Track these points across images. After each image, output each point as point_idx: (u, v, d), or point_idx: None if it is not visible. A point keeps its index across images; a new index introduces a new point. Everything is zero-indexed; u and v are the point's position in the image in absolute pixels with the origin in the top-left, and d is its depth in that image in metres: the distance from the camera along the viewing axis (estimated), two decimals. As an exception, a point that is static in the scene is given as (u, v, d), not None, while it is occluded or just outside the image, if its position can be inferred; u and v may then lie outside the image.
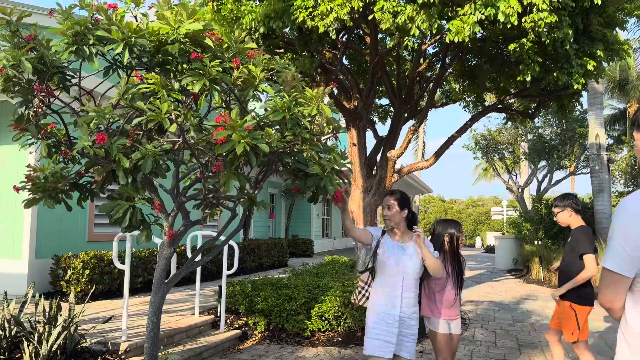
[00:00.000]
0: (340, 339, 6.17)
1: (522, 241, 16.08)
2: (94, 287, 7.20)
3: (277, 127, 2.73)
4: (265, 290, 6.53)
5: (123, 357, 4.77)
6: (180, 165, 3.18)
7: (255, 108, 3.20)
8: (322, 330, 6.26)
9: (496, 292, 11.04)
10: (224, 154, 2.54)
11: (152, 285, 3.67)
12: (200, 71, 2.47)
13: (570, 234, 4.35)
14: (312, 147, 2.78)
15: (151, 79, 2.54)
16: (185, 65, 2.62)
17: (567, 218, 4.27)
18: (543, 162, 24.12)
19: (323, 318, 6.23)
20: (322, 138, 3.17)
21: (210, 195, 3.16)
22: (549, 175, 24.83)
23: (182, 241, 8.84)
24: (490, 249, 26.66)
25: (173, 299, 7.85)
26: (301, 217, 19.97)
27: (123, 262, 5.19)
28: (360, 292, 3.55)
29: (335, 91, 8.93)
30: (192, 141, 2.74)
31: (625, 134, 24.49)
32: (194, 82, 2.43)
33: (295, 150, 2.76)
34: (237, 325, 6.54)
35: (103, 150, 2.63)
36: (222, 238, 3.87)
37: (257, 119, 2.71)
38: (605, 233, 13.37)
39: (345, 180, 3.47)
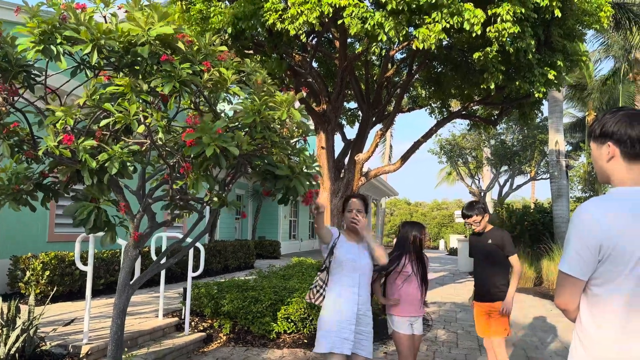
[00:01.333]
0: (305, 341, 6.20)
1: (484, 244, 16.46)
2: (55, 288, 7.01)
3: (247, 129, 2.75)
4: (231, 293, 6.50)
5: (84, 360, 4.67)
6: (147, 166, 3.16)
7: (224, 110, 3.20)
8: (288, 332, 6.28)
9: (458, 293, 11.30)
10: (193, 156, 2.55)
11: (115, 287, 3.62)
12: (171, 73, 2.47)
13: (484, 237, 4.35)
14: (281, 150, 2.81)
15: (120, 81, 2.52)
16: (154, 67, 2.61)
17: (486, 222, 4.38)
18: (505, 167, 24.82)
19: (289, 320, 6.25)
20: (292, 141, 3.21)
21: (178, 197, 3.14)
22: (510, 180, 25.57)
23: (146, 243, 8.71)
24: (453, 251, 27.21)
25: (136, 301, 7.72)
26: (268, 218, 19.92)
27: (85, 264, 5.08)
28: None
29: (304, 94, 8.95)
30: (160, 142, 2.72)
31: (584, 141, 25.45)
32: (164, 84, 2.42)
33: (265, 153, 2.78)
34: (201, 328, 6.49)
35: (69, 150, 2.60)
36: (189, 240, 3.86)
37: (227, 121, 2.72)
38: (563, 237, 13.87)
39: (315, 183, 3.51)
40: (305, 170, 3.23)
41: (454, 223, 45.89)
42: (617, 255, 1.75)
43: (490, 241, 4.30)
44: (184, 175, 2.75)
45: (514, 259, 4.34)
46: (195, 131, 2.47)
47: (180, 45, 2.61)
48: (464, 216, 4.48)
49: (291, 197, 3.22)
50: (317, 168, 3.45)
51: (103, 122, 2.52)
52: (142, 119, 2.52)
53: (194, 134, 2.42)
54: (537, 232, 15.29)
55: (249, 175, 3.20)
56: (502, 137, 23.55)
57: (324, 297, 3.50)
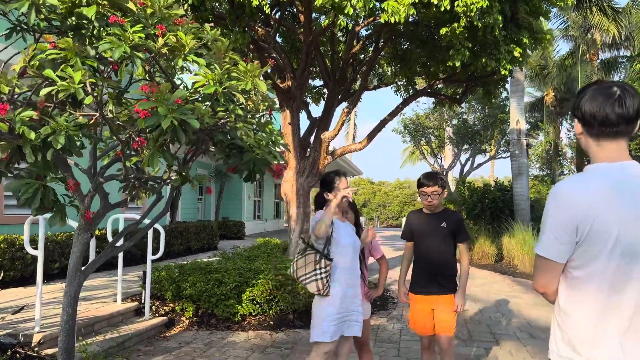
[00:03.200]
0: (272, 323, 6.08)
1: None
2: (3, 273, 6.62)
3: (209, 102, 2.53)
4: (193, 275, 6.29)
5: (36, 349, 4.40)
6: (98, 142, 2.89)
7: (182, 83, 2.96)
8: (254, 314, 6.14)
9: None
10: (148, 129, 2.32)
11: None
12: (121, 37, 2.22)
13: (436, 217, 3.67)
14: (246, 124, 2.61)
15: (62, 44, 2.25)
16: (102, 31, 2.34)
17: (442, 199, 3.67)
18: (466, 146, 25.21)
19: (254, 302, 6.10)
20: (257, 116, 3.01)
21: (133, 175, 2.90)
22: (471, 158, 26.01)
23: (102, 224, 8.33)
24: (416, 230, 27.59)
25: (94, 285, 7.40)
26: (232, 199, 19.59)
27: (37, 247, 4.76)
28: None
29: (269, 70, 8.69)
30: (110, 115, 2.47)
31: (542, 120, 26.07)
32: (113, 48, 2.17)
33: (228, 127, 2.58)
34: (163, 312, 6.27)
35: (7, 124, 2.32)
36: (148, 221, 3.62)
37: (187, 92, 2.49)
38: (524, 215, 14.20)
39: (283, 162, 3.34)
40: (273, 146, 3.05)
41: (416, 202, 46.60)
42: (595, 235, 1.67)
43: (444, 224, 3.63)
44: (139, 152, 2.51)
45: (464, 247, 3.73)
46: (150, 101, 2.24)
47: (131, 6, 2.35)
48: (422, 185, 3.64)
49: (258, 174, 3.05)
50: (284, 142, 3.27)
51: (43, 91, 2.24)
52: (89, 89, 2.27)
53: (148, 104, 2.19)
54: (498, 209, 15.59)
55: (211, 152, 2.98)
56: (464, 117, 23.84)
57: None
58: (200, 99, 2.52)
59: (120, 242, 4.69)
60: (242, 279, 6.21)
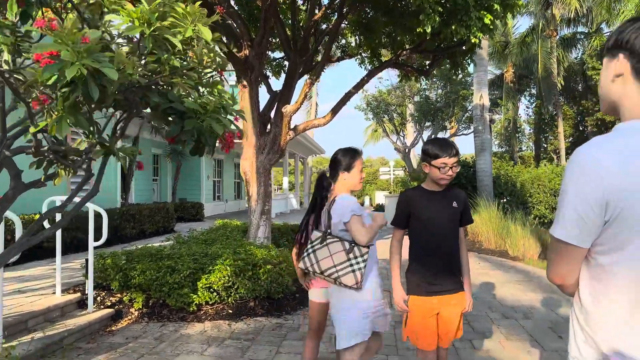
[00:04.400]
0: (230, 312, 5.60)
1: (410, 199, 16.55)
2: None
3: (132, 51, 1.98)
4: (143, 263, 5.71)
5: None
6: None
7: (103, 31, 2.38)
8: (211, 303, 5.64)
9: (388, 249, 11.14)
10: (54, 83, 1.76)
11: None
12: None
13: (446, 196, 2.95)
14: (185, 79, 2.08)
15: None
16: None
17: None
18: (428, 124, 25.11)
19: (211, 290, 5.60)
20: (203, 72, 2.48)
21: (47, 148, 2.33)
22: (433, 136, 25.95)
23: (34, 208, 7.55)
24: (379, 208, 27.55)
25: (34, 274, 6.72)
26: (190, 179, 18.80)
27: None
28: (364, 271, 2.77)
29: (225, 40, 8.04)
30: (6, 68, 1.90)
31: (501, 97, 26.26)
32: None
33: (163, 85, 2.04)
34: (109, 304, 5.68)
35: None
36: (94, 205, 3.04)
37: (105, 34, 1.94)
38: (487, 191, 14.13)
39: (237, 130, 2.84)
40: (223, 112, 2.53)
41: (377, 180, 46.69)
42: (630, 213, 1.27)
43: (455, 204, 2.95)
44: (45, 114, 1.95)
45: (463, 231, 3.10)
46: (53, 43, 1.67)
47: None
48: (437, 156, 2.83)
49: (207, 146, 2.53)
50: (237, 108, 2.75)
51: None
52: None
53: (49, 45, 1.63)
54: (461, 186, 15.50)
55: (146, 118, 2.44)
56: (426, 93, 23.67)
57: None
58: (123, 44, 1.96)
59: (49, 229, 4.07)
60: (197, 266, 5.69)
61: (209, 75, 2.57)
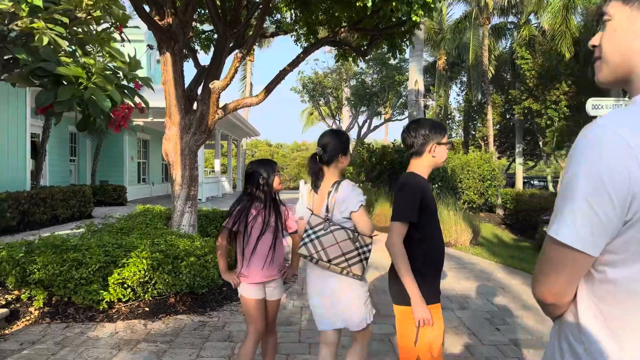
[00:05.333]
0: (147, 309, 5.02)
1: (345, 184, 16.39)
2: None
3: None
4: (45, 255, 4.98)
5: None
6: None
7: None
8: (124, 300, 5.02)
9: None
10: None
11: None
12: None
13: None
14: (52, 28, 1.52)
15: None
16: None
17: None
18: (363, 108, 25.04)
19: (125, 286, 4.97)
20: (94, 28, 1.92)
21: None
22: (368, 120, 25.97)
23: None
24: (314, 192, 27.37)
25: None
26: (112, 160, 17.54)
27: None
28: (367, 262, 2.75)
29: (145, 6, 7.25)
30: None
31: (434, 84, 26.63)
32: None
33: (17, 28, 1.47)
34: (4, 302, 4.92)
35: None
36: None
37: None
38: (420, 176, 14.15)
39: (140, 102, 2.31)
40: (116, 78, 1.99)
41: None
42: None
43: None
44: None
45: None
46: None
47: None
48: (444, 134, 2.54)
49: (98, 120, 1.99)
50: (139, 73, 2.21)
51: None
52: None
53: None
54: (395, 171, 15.50)
55: (5, 79, 1.85)
56: (362, 77, 23.52)
57: None
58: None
59: None
60: (109, 258, 5.03)
61: (101, 28, 2.01)
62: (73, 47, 1.92)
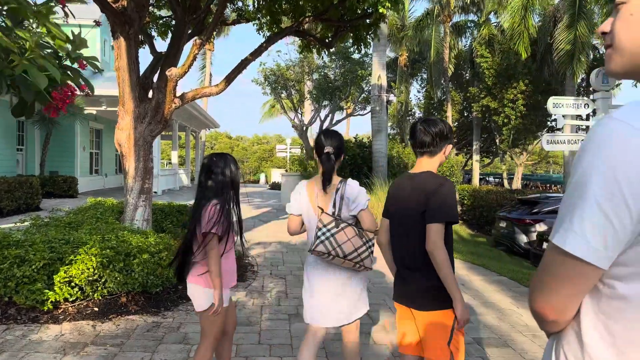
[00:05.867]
0: (96, 310, 4.71)
1: (307, 178, 16.27)
2: None
3: None
4: (-18, 252, 4.59)
5: None
6: None
7: None
8: (71, 300, 4.69)
9: (283, 230, 10.62)
10: None
11: None
12: None
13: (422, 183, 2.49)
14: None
15: None
16: None
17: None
18: (326, 102, 24.90)
19: (72, 284, 4.65)
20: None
21: None
22: (330, 115, 25.85)
23: None
24: (275, 186, 27.10)
25: None
26: (63, 150, 16.71)
27: None
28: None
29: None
30: None
31: (395, 80, 26.80)
32: None
33: None
34: None
35: None
36: None
37: None
38: (382, 171, 14.16)
39: (83, 84, 2.07)
40: (53, 55, 1.76)
41: (274, 157, 46.20)
42: None
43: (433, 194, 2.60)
44: None
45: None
46: None
47: None
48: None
49: (30, 100, 1.76)
50: (83, 53, 1.97)
51: None
52: None
53: None
54: (357, 166, 15.48)
55: None
56: (325, 71, 23.36)
57: None
58: None
59: None
60: (54, 255, 4.69)
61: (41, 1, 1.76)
62: (2, 18, 1.67)
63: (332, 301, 2.84)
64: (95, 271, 4.67)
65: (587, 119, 7.42)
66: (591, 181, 0.85)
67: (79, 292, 4.71)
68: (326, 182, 2.82)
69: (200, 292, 2.83)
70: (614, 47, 1.00)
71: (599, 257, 0.86)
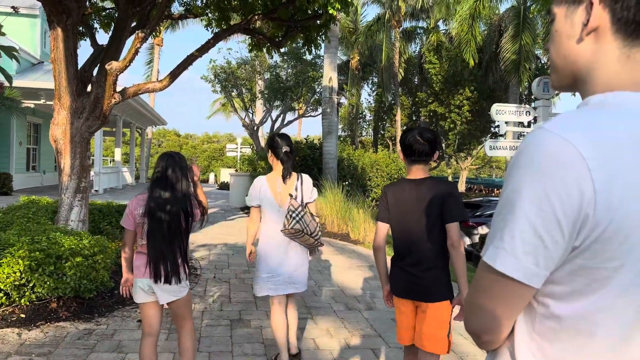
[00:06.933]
0: (23, 316, 4.41)
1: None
2: None
3: None
4: None
5: None
6: None
7: None
8: (-6, 306, 4.37)
9: (230, 232, 10.46)
10: None
11: None
12: None
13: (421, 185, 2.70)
14: None
15: None
16: None
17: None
18: (277, 103, 24.73)
19: (-5, 289, 4.33)
20: None
21: None
22: (282, 115, 25.72)
23: None
24: (224, 186, 26.64)
25: None
26: (-5, 144, 15.74)
27: None
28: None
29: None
30: None
31: (347, 83, 27.00)
32: None
33: None
34: None
35: None
36: None
37: None
38: (332, 173, 14.17)
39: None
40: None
41: (224, 156, 45.49)
42: (616, 235, 0.79)
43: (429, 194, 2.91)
44: None
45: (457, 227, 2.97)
46: None
47: None
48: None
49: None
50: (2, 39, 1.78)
51: None
52: None
53: None
54: (307, 167, 15.42)
55: None
56: (277, 71, 23.20)
57: None
58: None
59: None
60: (-24, 258, 4.35)
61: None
62: None
63: (289, 273, 3.53)
64: (23, 275, 4.37)
65: (529, 126, 7.68)
66: (521, 196, 0.82)
67: (4, 298, 4.40)
68: (287, 175, 3.50)
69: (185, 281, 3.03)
70: (551, 64, 1.00)
71: (530, 276, 0.83)
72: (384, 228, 2.81)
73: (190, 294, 3.12)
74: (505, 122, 7.21)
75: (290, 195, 3.41)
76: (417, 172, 2.73)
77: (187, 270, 3.02)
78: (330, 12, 5.86)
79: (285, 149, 3.52)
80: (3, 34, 1.83)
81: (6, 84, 3.07)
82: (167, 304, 3.02)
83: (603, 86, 0.88)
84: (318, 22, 7.46)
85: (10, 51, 1.91)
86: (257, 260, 3.61)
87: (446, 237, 2.61)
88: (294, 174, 3.55)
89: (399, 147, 2.82)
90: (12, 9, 3.68)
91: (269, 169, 16.28)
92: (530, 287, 0.84)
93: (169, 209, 2.89)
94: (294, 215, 3.32)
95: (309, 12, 7.32)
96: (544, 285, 0.85)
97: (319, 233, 3.51)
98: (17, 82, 12.42)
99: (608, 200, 0.77)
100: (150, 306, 3.02)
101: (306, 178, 3.60)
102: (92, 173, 16.62)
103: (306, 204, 3.47)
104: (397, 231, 2.77)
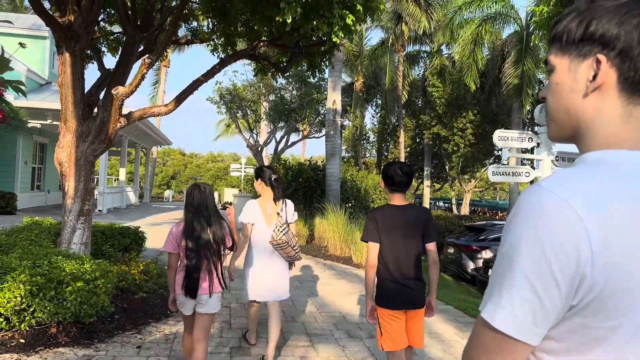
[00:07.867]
0: (22, 341, 4.39)
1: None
2: None
3: None
4: None
5: None
6: None
7: None
8: (-6, 331, 4.36)
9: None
10: None
11: None
12: None
13: (410, 209, 3.29)
14: None
15: None
16: None
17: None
18: (282, 124, 24.91)
19: (-4, 314, 4.32)
20: None
21: None
22: (286, 136, 25.87)
23: None
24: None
25: None
26: (2, 164, 15.84)
27: None
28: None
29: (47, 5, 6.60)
30: None
31: (350, 105, 27.19)
32: None
33: None
34: None
35: None
36: None
37: None
38: (335, 196, 14.18)
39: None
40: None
41: (228, 176, 45.60)
42: (615, 295, 0.80)
43: (416, 215, 3.61)
44: None
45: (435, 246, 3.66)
46: None
47: None
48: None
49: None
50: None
51: None
52: None
53: None
54: (311, 189, 15.45)
55: None
56: (281, 93, 23.43)
57: None
58: None
59: None
60: (-23, 282, 4.35)
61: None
62: None
63: (274, 282, 4.22)
64: (24, 300, 4.36)
65: (532, 151, 7.69)
66: (520, 253, 0.83)
67: (4, 323, 4.39)
68: (279, 198, 4.24)
69: (219, 297, 3.50)
70: (548, 114, 1.00)
71: (528, 334, 0.83)
72: (376, 248, 3.21)
73: (212, 318, 3.49)
74: (509, 149, 7.22)
75: (278, 214, 4.15)
76: (399, 199, 3.29)
77: (221, 288, 3.45)
78: (334, 39, 5.94)
79: (274, 176, 4.25)
80: (11, 69, 1.87)
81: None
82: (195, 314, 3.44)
83: (602, 142, 0.89)
84: (322, 48, 7.56)
85: (17, 85, 1.95)
86: (245, 267, 4.32)
87: (421, 252, 3.27)
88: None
89: (381, 177, 3.35)
90: (20, 46, 3.74)
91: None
92: (528, 345, 0.84)
93: (204, 236, 3.37)
94: (281, 229, 4.05)
95: (314, 39, 7.42)
96: (542, 341, 0.85)
97: (298, 248, 4.20)
98: (24, 102, 12.57)
99: (605, 260, 0.78)
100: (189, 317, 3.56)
101: (289, 203, 4.36)
102: (96, 193, 16.69)
103: (289, 223, 4.20)
104: (387, 250, 3.20)
